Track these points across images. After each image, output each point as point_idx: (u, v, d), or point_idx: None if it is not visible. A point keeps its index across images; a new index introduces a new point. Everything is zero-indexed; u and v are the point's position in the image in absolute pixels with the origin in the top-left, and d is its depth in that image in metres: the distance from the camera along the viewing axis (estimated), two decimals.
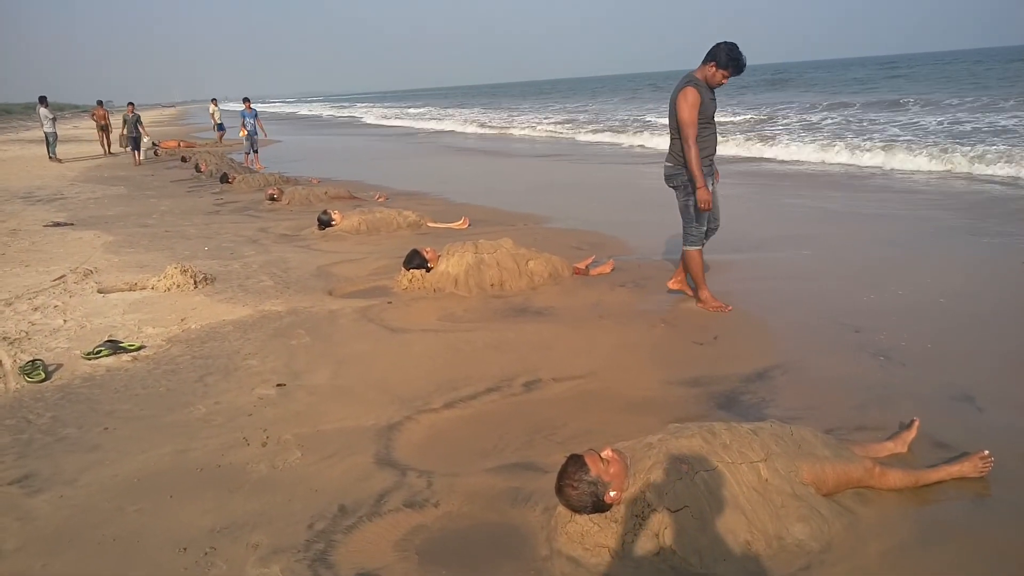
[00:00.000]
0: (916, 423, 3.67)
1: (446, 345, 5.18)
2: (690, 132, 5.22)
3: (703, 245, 5.76)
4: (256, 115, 20.08)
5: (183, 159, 22.59)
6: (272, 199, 12.79)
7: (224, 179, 16.18)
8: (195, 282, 6.75)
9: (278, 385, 4.54)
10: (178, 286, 6.66)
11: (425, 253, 6.60)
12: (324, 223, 9.68)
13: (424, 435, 3.91)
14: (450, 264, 6.52)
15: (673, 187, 5.62)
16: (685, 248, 5.73)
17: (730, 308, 5.75)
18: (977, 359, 4.78)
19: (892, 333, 5.16)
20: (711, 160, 5.55)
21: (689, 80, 5.29)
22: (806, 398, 4.21)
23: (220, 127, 29.71)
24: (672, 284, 6.15)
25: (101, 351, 5.02)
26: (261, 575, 2.80)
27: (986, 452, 3.33)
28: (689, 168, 5.31)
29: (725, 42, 5.23)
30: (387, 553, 2.94)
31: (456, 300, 6.27)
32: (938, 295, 5.90)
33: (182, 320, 5.83)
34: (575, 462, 2.88)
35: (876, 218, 9.21)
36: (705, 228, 5.69)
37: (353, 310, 6.00)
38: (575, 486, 2.84)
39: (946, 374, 4.56)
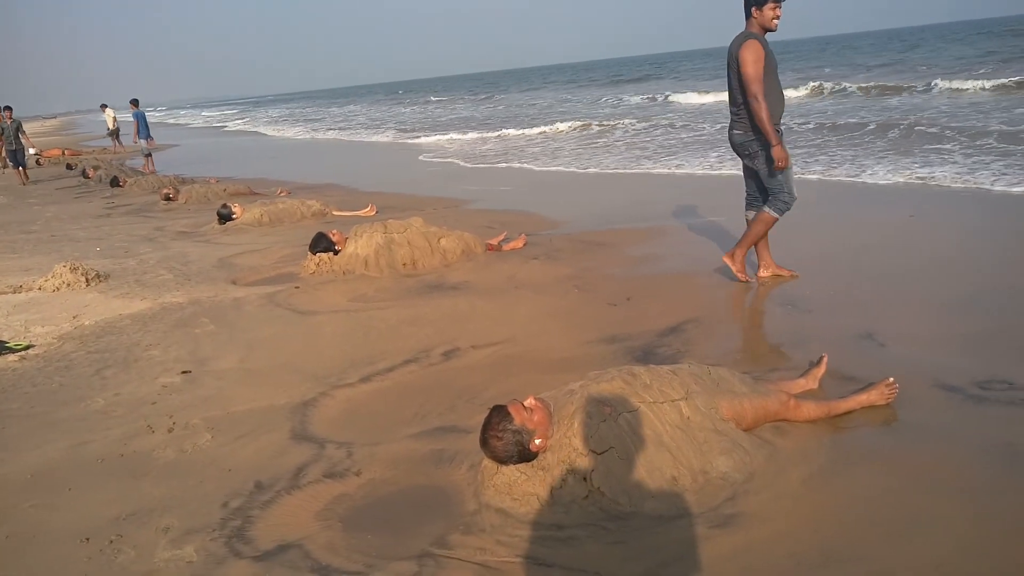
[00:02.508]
0: (824, 359, 3.77)
1: (359, 324, 5.05)
2: (757, 88, 4.74)
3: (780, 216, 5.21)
4: (143, 116, 19.28)
5: (68, 167, 21.43)
6: (168, 199, 12.26)
7: (115, 183, 15.40)
8: (87, 280, 6.37)
9: (183, 372, 4.32)
10: (68, 285, 6.26)
11: (332, 236, 6.42)
12: (224, 217, 9.32)
13: (341, 409, 3.78)
14: (359, 245, 6.37)
15: (747, 155, 5.10)
16: (768, 210, 5.12)
17: (751, 280, 5.37)
18: (875, 303, 4.98)
19: (797, 284, 5.32)
20: (780, 121, 5.03)
21: (746, 35, 4.82)
22: (720, 346, 4.28)
23: (115, 134, 27.77)
24: (764, 272, 5.46)
25: None
26: (173, 557, 2.63)
27: (891, 379, 3.45)
28: (761, 127, 4.82)
29: None
30: (309, 524, 2.82)
31: (367, 281, 6.13)
32: (837, 248, 6.13)
33: (74, 317, 5.48)
34: (498, 412, 2.82)
35: None
36: (793, 194, 5.14)
37: (259, 296, 5.78)
38: (500, 436, 2.79)
39: (848, 317, 4.72)
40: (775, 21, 4.81)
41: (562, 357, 4.30)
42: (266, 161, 20.30)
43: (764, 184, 5.14)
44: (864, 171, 9.55)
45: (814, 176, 9.66)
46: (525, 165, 14.27)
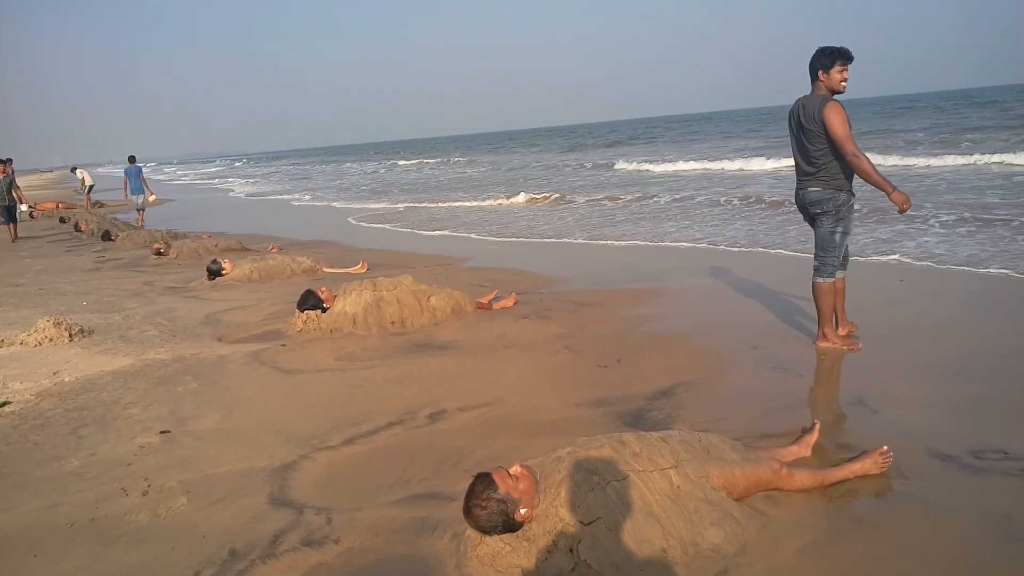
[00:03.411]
0: (817, 426, 3.71)
1: (344, 383, 4.96)
2: (854, 146, 4.67)
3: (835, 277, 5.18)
4: (140, 172, 19.38)
5: (62, 220, 21.43)
6: (159, 253, 12.22)
7: (106, 236, 15.38)
8: (70, 335, 6.28)
9: (161, 432, 4.21)
10: (51, 340, 6.16)
11: (320, 293, 6.37)
12: (214, 273, 9.27)
13: (322, 473, 3.67)
14: (347, 303, 6.31)
15: (818, 213, 5.00)
16: (818, 280, 5.08)
17: (859, 347, 5.15)
18: (866, 367, 4.94)
19: (787, 348, 5.28)
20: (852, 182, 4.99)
21: (823, 98, 4.78)
22: (711, 411, 4.21)
23: (90, 189, 27.67)
24: (819, 342, 5.26)
25: None
26: None
27: (885, 448, 3.39)
28: (870, 180, 4.70)
29: (819, 49, 4.80)
30: None
31: (354, 340, 6.05)
32: None
33: (54, 374, 5.37)
34: (483, 480, 2.74)
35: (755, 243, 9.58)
36: (841, 256, 5.14)
37: (244, 354, 5.69)
38: (484, 505, 2.70)
39: (841, 381, 4.69)
40: (843, 84, 4.81)
41: (551, 420, 4.22)
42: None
43: (817, 244, 5.08)
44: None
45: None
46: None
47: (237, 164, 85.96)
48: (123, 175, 19.82)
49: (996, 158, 17.18)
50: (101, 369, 5.44)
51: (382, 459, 3.80)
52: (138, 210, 19.57)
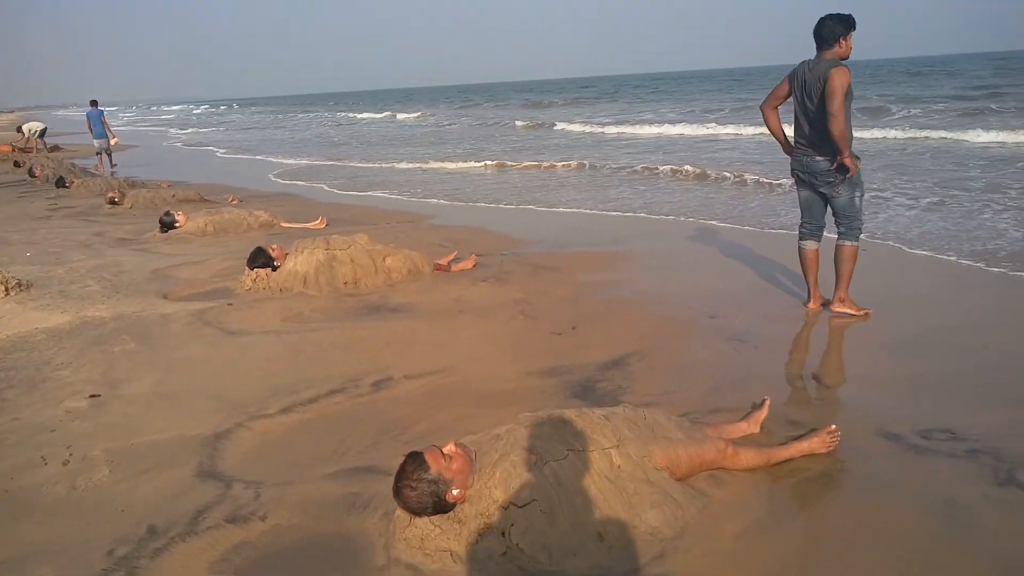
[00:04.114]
0: (767, 402, 3.63)
1: (288, 347, 4.79)
2: (839, 105, 4.62)
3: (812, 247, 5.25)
4: (103, 115, 18.75)
5: (16, 164, 20.72)
6: (113, 203, 11.82)
7: (60, 183, 14.86)
8: (6, 289, 6.01)
9: (91, 396, 4.02)
10: None
11: (271, 251, 6.15)
12: (166, 225, 8.97)
13: (256, 443, 3.53)
14: (298, 262, 6.11)
15: (827, 183, 4.94)
16: (849, 244, 5.04)
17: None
18: (821, 342, 4.89)
19: (745, 318, 5.20)
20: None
21: (835, 61, 4.71)
22: (662, 383, 4.12)
23: (42, 133, 26.51)
24: (835, 307, 5.20)
25: None
26: None
27: (833, 427, 3.32)
28: (837, 138, 4.66)
29: (826, 16, 4.78)
30: None
31: (305, 300, 5.86)
32: (787, 283, 6.04)
33: None
34: (413, 460, 2.61)
35: (725, 208, 9.49)
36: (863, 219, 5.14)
37: (188, 313, 5.48)
38: (413, 486, 2.58)
39: (796, 355, 4.62)
40: (849, 53, 4.84)
41: (499, 389, 4.10)
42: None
43: (841, 213, 5.02)
44: None
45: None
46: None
47: (196, 112, 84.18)
48: (85, 119, 19.21)
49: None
50: (35, 327, 5.21)
51: (320, 429, 3.67)
52: (97, 153, 19.02)
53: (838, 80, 4.63)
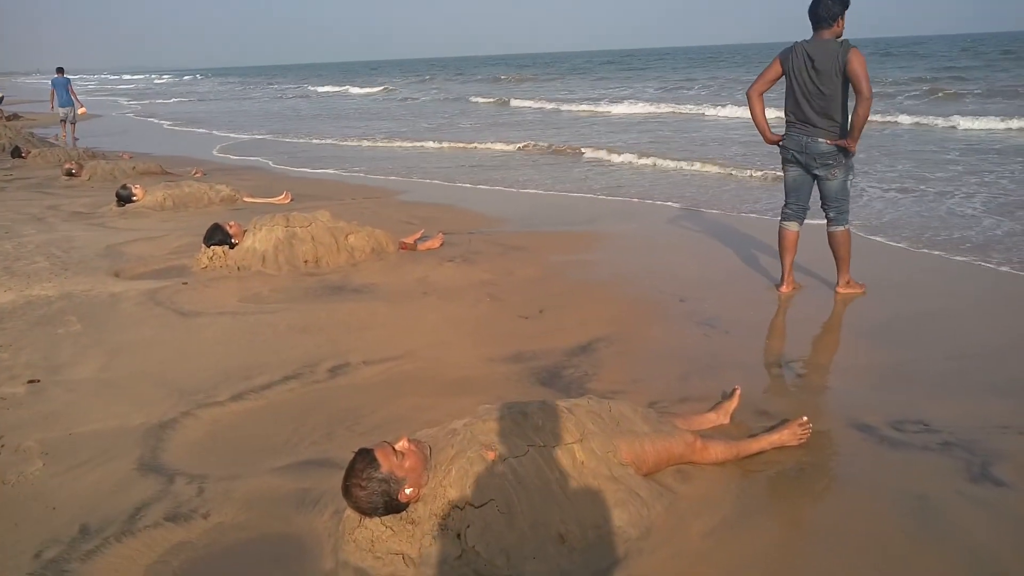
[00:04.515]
0: (737, 392, 3.52)
1: (243, 329, 4.59)
2: (870, 88, 4.58)
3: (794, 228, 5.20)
4: (69, 83, 18.12)
5: None
6: (70, 174, 11.43)
7: (16, 153, 14.38)
8: None
9: (29, 382, 3.80)
10: None
11: (228, 228, 5.91)
12: (124, 199, 8.65)
13: (204, 433, 3.34)
14: (257, 239, 5.88)
15: (825, 165, 4.86)
16: (840, 228, 5.02)
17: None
18: (793, 328, 4.80)
19: (716, 302, 5.10)
20: None
21: (842, 42, 4.64)
22: (630, 370, 4.00)
23: None
24: (842, 289, 5.18)
25: None
26: None
27: (804, 419, 3.22)
28: (859, 126, 4.63)
29: None
30: None
31: (263, 279, 5.65)
32: (761, 265, 5.95)
33: None
34: (363, 458, 2.45)
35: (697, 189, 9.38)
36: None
37: (139, 293, 5.25)
38: (363, 485, 2.42)
39: (767, 342, 4.53)
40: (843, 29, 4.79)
41: (461, 376, 3.95)
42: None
43: (833, 196, 4.97)
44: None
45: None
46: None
47: (158, 81, 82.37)
48: (50, 86, 18.55)
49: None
50: None
51: (272, 418, 3.49)
52: (62, 121, 18.41)
53: (859, 62, 4.58)
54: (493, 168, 12.17)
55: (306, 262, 5.89)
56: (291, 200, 9.15)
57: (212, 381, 3.83)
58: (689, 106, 21.62)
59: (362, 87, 46.86)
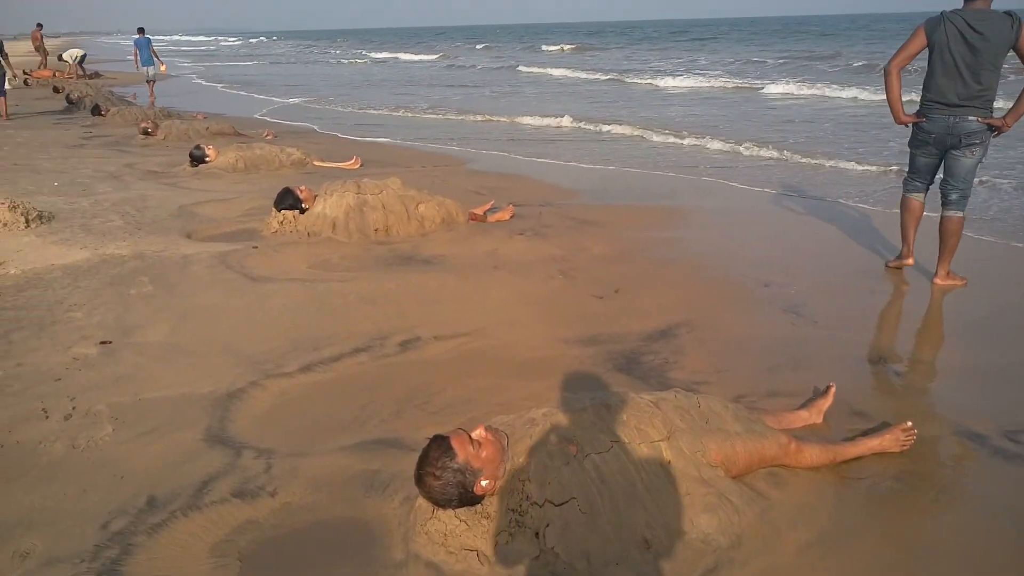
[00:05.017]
0: (832, 389, 3.27)
1: (312, 297, 4.51)
2: None
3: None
4: (150, 43, 18.46)
5: (56, 89, 20.62)
6: (146, 133, 11.60)
7: (96, 111, 14.70)
8: (26, 220, 5.80)
9: (101, 343, 3.78)
10: (4, 224, 5.69)
11: (299, 192, 5.84)
12: (197, 159, 8.70)
13: (271, 405, 3.26)
14: (328, 205, 5.79)
15: (968, 144, 4.55)
16: (958, 214, 4.71)
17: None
18: (891, 319, 4.49)
19: (803, 288, 4.81)
20: None
21: (1009, 13, 4.31)
22: (713, 360, 3.77)
23: (82, 60, 26.23)
24: (941, 280, 4.86)
25: None
26: None
27: (908, 424, 2.96)
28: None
29: None
30: (201, 560, 2.32)
31: (333, 246, 5.57)
32: (846, 249, 5.61)
33: (0, 264, 4.92)
34: (439, 445, 2.31)
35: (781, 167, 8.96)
36: None
37: (210, 255, 5.22)
38: (438, 475, 2.28)
39: (858, 334, 4.22)
40: None
41: (534, 357, 3.78)
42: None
43: (962, 176, 4.65)
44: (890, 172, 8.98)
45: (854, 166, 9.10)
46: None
47: (224, 43, 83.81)
48: (133, 46, 18.97)
49: None
50: (52, 263, 4.99)
51: (341, 392, 3.39)
52: (147, 81, 18.80)
53: None
54: (549, 141, 11.79)
55: (376, 230, 5.78)
56: (361, 165, 9.07)
57: (280, 351, 3.75)
58: (773, 85, 20.32)
59: (417, 54, 46.58)
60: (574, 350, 3.86)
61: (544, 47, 45.58)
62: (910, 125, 4.80)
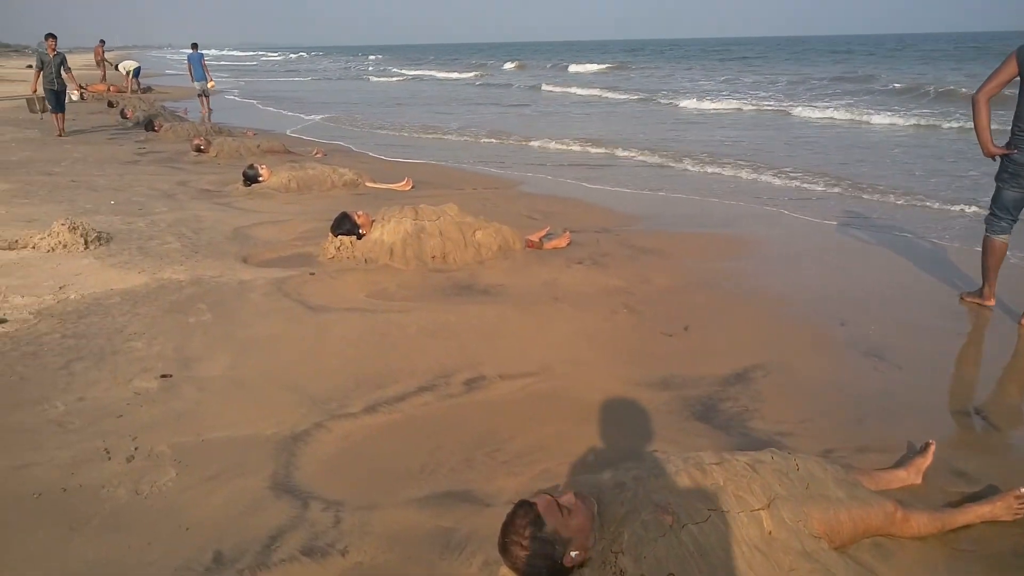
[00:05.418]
0: (932, 448, 3.05)
1: (373, 329, 4.39)
2: None
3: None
4: (203, 58, 18.81)
5: (110, 104, 21.04)
6: (198, 150, 11.71)
7: (149, 126, 14.91)
8: (85, 241, 5.80)
9: (162, 376, 3.70)
10: (64, 246, 5.69)
11: (356, 217, 5.75)
12: (250, 178, 8.71)
13: (336, 449, 3.13)
14: (385, 231, 5.70)
15: None
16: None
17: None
18: (980, 365, 4.23)
19: (882, 327, 4.57)
20: None
21: None
22: (795, 408, 3.56)
23: (136, 73, 26.77)
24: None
25: None
26: None
27: (1022, 490, 2.73)
28: None
29: None
30: None
31: (390, 273, 5.46)
32: (927, 285, 5.35)
33: (60, 288, 4.90)
34: (526, 513, 2.16)
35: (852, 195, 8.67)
36: None
37: (267, 282, 5.14)
38: (525, 545, 2.12)
39: (948, 380, 3.98)
40: None
41: (605, 400, 3.61)
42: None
43: None
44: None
45: (900, 200, 8.79)
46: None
47: (264, 58, 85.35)
48: (186, 61, 19.36)
49: None
50: (111, 287, 4.95)
51: (407, 436, 3.25)
52: (199, 95, 19.13)
53: None
54: (599, 167, 11.52)
55: (433, 258, 5.67)
56: (412, 187, 9.00)
57: (343, 388, 3.63)
58: (814, 109, 19.68)
59: (448, 71, 46.69)
60: (648, 394, 3.68)
61: (576, 67, 45.16)
62: (998, 157, 4.57)
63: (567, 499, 2.21)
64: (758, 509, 2.33)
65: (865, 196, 8.48)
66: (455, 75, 43.45)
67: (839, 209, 7.91)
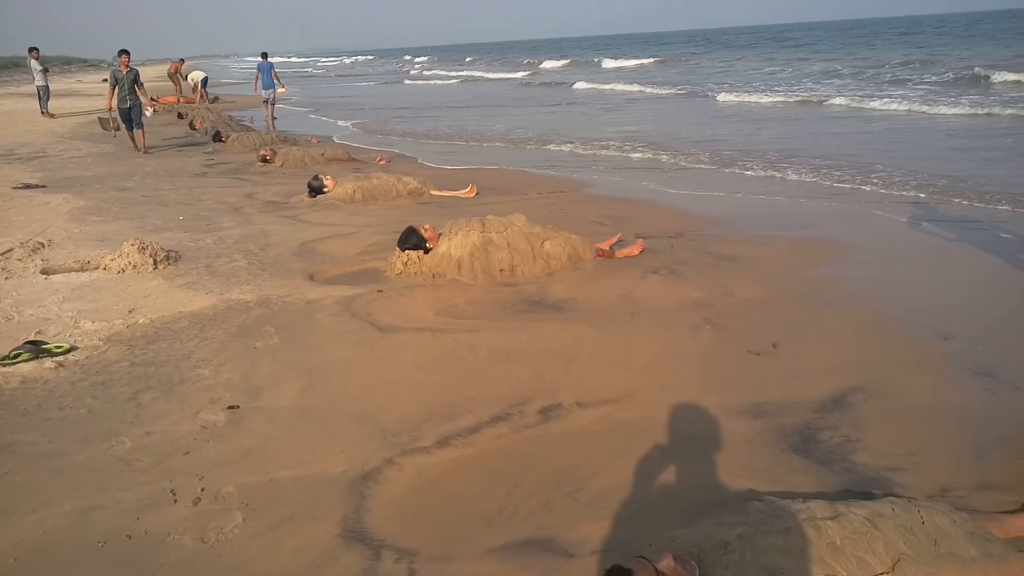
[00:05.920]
0: None
1: (443, 351, 4.22)
2: None
3: None
4: (272, 67, 19.12)
5: (180, 115, 21.53)
6: (264, 160, 11.80)
7: (217, 138, 15.14)
8: (155, 261, 5.80)
9: (229, 408, 3.59)
10: (134, 266, 5.70)
11: (423, 231, 5.60)
12: (315, 189, 8.68)
13: (409, 489, 2.97)
14: (452, 245, 5.53)
15: None
16: None
17: None
18: None
19: (991, 341, 4.19)
20: None
21: None
22: (903, 438, 3.25)
23: (204, 83, 27.34)
24: None
25: (20, 354, 4.09)
26: None
27: None
28: None
29: None
30: None
31: (458, 288, 5.29)
32: (1021, 293, 4.91)
33: (129, 312, 4.87)
34: None
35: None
36: None
37: (335, 301, 5.03)
38: None
39: None
40: None
41: (693, 433, 3.36)
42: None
43: None
44: None
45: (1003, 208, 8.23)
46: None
47: (323, 62, 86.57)
48: (255, 71, 19.70)
49: None
50: (179, 310, 4.90)
51: (482, 473, 3.06)
52: (264, 102, 19.40)
53: None
54: (666, 170, 11.20)
55: (501, 271, 5.48)
56: (476, 193, 8.85)
57: (414, 419, 3.46)
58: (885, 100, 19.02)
59: (497, 72, 46.30)
60: (738, 423, 3.40)
61: (622, 62, 44.24)
62: None
63: (666, 563, 1.99)
64: (882, 573, 2.07)
65: (961, 198, 7.90)
66: (504, 75, 43.11)
67: (933, 210, 7.42)
